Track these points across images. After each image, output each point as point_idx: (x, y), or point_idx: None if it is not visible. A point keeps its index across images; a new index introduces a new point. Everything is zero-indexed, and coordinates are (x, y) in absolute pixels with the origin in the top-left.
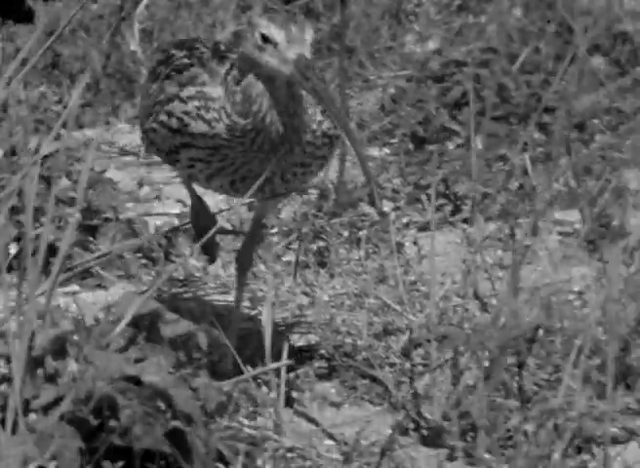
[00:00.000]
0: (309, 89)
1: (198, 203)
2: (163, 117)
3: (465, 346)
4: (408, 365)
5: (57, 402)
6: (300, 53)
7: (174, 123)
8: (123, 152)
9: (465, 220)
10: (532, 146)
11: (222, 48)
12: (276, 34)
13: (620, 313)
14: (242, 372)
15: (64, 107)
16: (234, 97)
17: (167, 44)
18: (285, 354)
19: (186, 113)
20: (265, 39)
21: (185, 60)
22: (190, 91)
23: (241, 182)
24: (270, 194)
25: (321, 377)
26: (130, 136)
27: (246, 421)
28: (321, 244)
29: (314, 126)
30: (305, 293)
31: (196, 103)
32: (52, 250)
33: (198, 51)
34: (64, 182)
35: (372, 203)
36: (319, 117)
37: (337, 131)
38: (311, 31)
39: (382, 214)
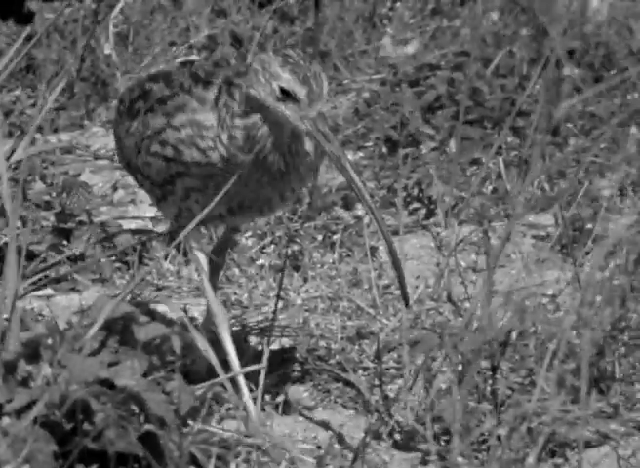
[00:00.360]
0: (327, 150)
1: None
2: (156, 148)
3: (439, 350)
4: (380, 368)
5: (30, 405)
6: (320, 111)
7: (168, 152)
8: (97, 156)
9: (439, 224)
10: (506, 150)
11: (202, 74)
12: (298, 91)
13: (595, 317)
14: (215, 376)
15: (39, 111)
16: (233, 131)
17: (137, 82)
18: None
19: (181, 141)
20: (286, 93)
21: (166, 91)
22: (182, 118)
23: (239, 208)
24: (269, 212)
25: (294, 381)
26: (104, 139)
27: (219, 425)
28: (295, 247)
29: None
30: (279, 297)
31: (189, 131)
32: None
33: (176, 80)
34: (39, 186)
35: (402, 294)
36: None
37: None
38: (327, 83)
39: (407, 305)
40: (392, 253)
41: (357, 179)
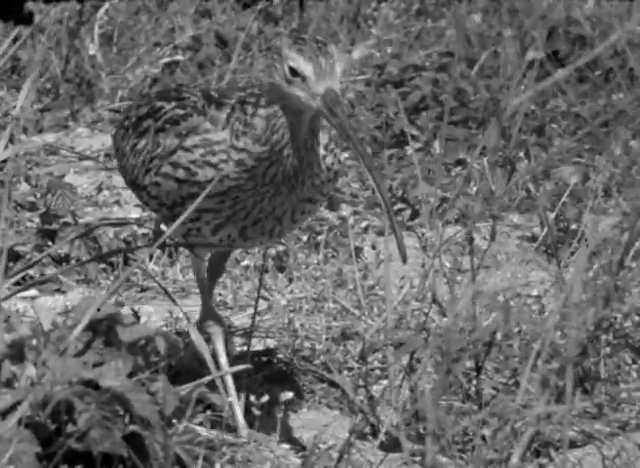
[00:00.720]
0: (336, 124)
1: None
2: (167, 169)
3: (423, 350)
4: (365, 369)
5: (14, 406)
6: (329, 87)
7: (180, 173)
8: (82, 157)
9: (424, 225)
10: (490, 151)
11: (215, 94)
12: (304, 68)
13: (579, 318)
14: (202, 375)
15: (22, 111)
16: (253, 124)
17: (145, 98)
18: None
19: (193, 162)
20: (294, 72)
21: (179, 111)
22: (194, 140)
23: (252, 227)
24: (278, 236)
25: (279, 381)
26: (89, 140)
27: (204, 425)
28: (280, 248)
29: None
30: (264, 298)
31: (201, 151)
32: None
33: (189, 100)
34: (24, 187)
35: (399, 247)
36: (322, 151)
37: (339, 165)
38: (342, 63)
39: (405, 260)
40: (383, 196)
41: (371, 161)
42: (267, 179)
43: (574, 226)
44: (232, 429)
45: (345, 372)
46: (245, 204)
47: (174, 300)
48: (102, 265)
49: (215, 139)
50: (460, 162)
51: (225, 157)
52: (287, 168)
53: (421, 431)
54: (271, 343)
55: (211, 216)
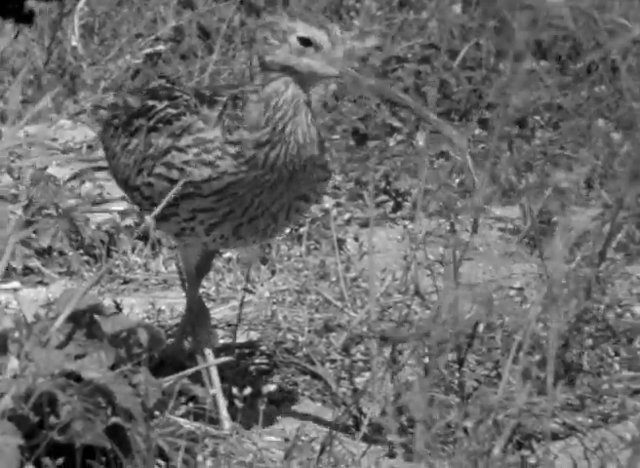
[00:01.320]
0: (366, 85)
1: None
2: (160, 170)
3: (406, 342)
4: (348, 361)
5: None
6: (345, 51)
7: (174, 174)
8: (65, 149)
9: (407, 217)
10: (473, 142)
11: (207, 93)
12: (318, 36)
13: (561, 309)
14: (183, 368)
15: (5, 103)
16: (246, 112)
17: (134, 96)
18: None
19: (186, 163)
20: (306, 42)
21: (171, 110)
22: (188, 139)
23: (247, 224)
24: (271, 235)
25: (262, 373)
26: (72, 132)
27: (187, 418)
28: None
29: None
30: (247, 290)
31: (195, 150)
32: None
33: (181, 99)
34: (6, 179)
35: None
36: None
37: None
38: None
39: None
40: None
41: (404, 97)
42: (269, 165)
43: (556, 218)
44: (215, 421)
45: (328, 365)
46: (243, 199)
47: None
48: (85, 257)
49: (207, 138)
50: (442, 154)
51: (221, 153)
52: (290, 146)
53: (404, 423)
54: (254, 335)
55: (206, 216)
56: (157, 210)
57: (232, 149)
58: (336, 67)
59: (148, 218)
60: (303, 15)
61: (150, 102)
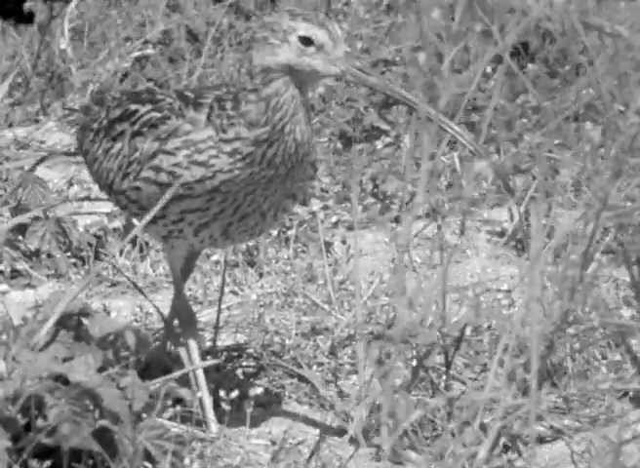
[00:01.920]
0: (370, 83)
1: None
2: (148, 173)
3: (393, 345)
4: (335, 364)
5: None
6: (346, 50)
7: (163, 177)
8: (53, 151)
9: (394, 219)
10: (460, 145)
11: (191, 95)
12: (320, 34)
13: (545, 311)
14: (170, 371)
15: None
16: (246, 110)
17: (117, 101)
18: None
19: (177, 165)
20: (307, 41)
21: (156, 114)
22: (175, 142)
23: (237, 223)
24: (257, 235)
25: (249, 376)
26: (59, 134)
27: (174, 420)
28: (250, 243)
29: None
30: (234, 292)
31: (185, 152)
32: None
33: (164, 102)
34: None
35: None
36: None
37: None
38: (338, 25)
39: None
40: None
41: (407, 95)
42: (266, 162)
43: (543, 221)
44: (202, 424)
45: (315, 367)
46: (236, 197)
47: (143, 293)
48: (73, 260)
49: (198, 139)
50: (429, 157)
51: (216, 152)
52: (288, 144)
53: (392, 426)
54: (241, 338)
55: (196, 216)
56: (148, 216)
57: (228, 147)
58: (337, 66)
59: (139, 225)
60: (304, 14)
61: (133, 107)
